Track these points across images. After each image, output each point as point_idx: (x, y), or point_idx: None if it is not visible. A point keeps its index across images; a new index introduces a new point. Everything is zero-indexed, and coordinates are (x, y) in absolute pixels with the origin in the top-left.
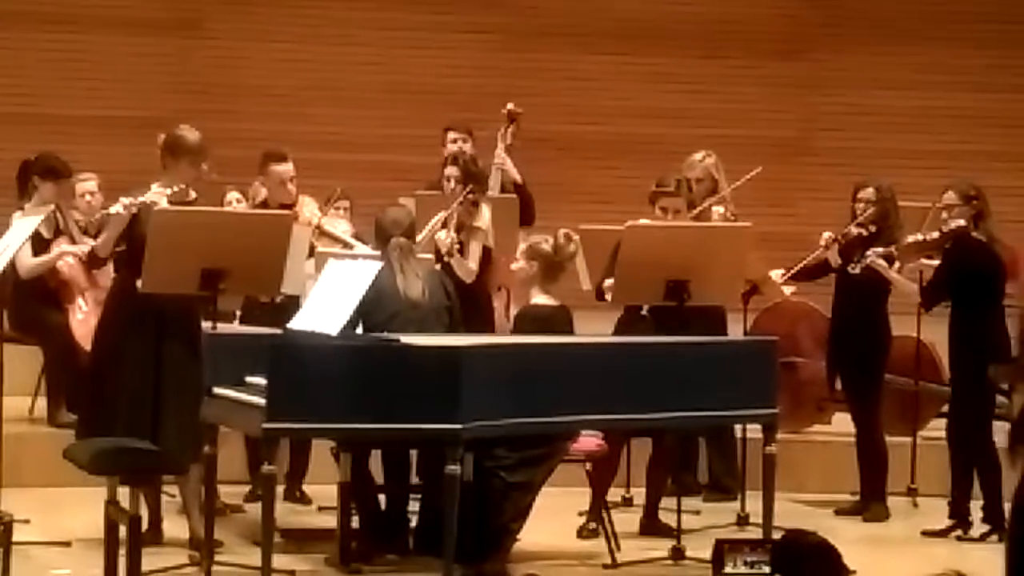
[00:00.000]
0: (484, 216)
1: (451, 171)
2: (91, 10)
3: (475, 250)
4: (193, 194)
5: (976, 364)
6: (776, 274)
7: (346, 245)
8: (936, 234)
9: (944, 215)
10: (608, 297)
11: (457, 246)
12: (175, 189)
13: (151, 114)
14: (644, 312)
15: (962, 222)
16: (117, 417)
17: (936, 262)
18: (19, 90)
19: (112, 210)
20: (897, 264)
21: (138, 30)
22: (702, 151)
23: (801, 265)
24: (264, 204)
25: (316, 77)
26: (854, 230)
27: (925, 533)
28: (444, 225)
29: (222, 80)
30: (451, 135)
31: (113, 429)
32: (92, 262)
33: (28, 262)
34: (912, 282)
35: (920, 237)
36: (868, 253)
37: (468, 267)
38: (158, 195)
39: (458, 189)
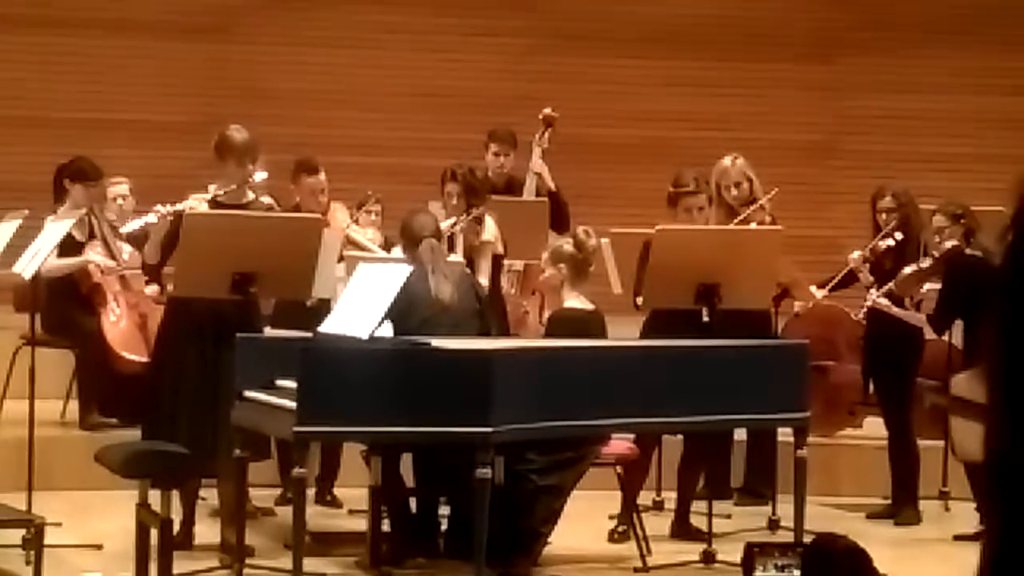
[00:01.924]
0: (489, 229)
1: (452, 188)
2: (122, 15)
3: (485, 266)
4: (251, 195)
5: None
6: (818, 294)
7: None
8: (930, 261)
9: (936, 239)
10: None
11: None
12: (225, 191)
13: (182, 119)
14: (705, 319)
15: (955, 242)
16: (179, 424)
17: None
18: (50, 95)
19: (145, 220)
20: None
21: (169, 35)
22: (729, 155)
23: (836, 280)
24: (296, 209)
25: (346, 82)
26: (881, 244)
27: (957, 537)
28: (451, 239)
29: (253, 85)
30: (493, 147)
31: (176, 436)
32: (147, 270)
33: (52, 262)
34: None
35: (916, 267)
36: (868, 297)
37: (482, 283)
38: (196, 201)
39: (461, 204)
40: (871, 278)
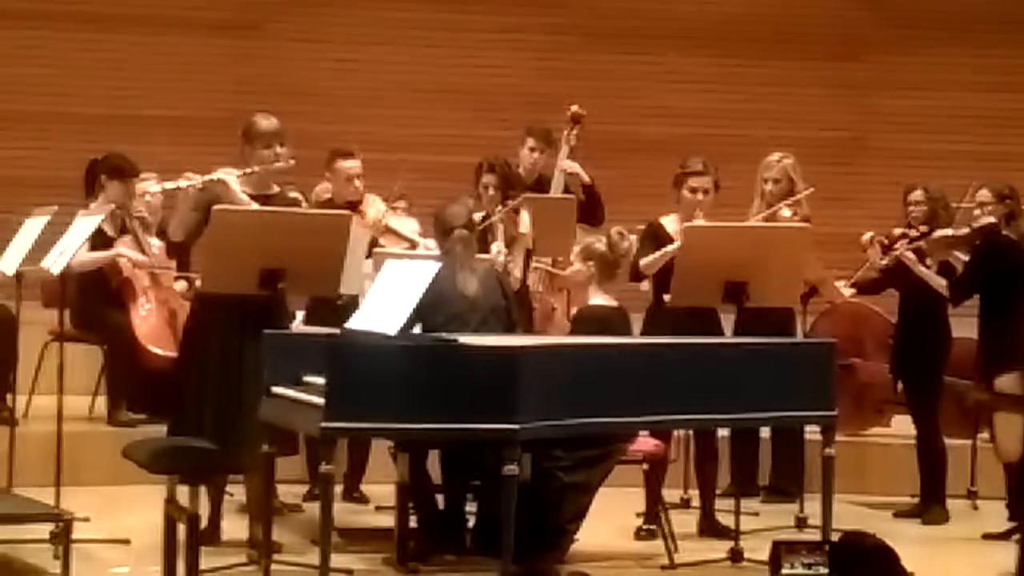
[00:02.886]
0: (525, 221)
1: (489, 179)
2: (151, 11)
3: (519, 258)
4: (276, 187)
5: (1006, 363)
6: (842, 287)
7: (412, 244)
8: (966, 230)
9: (976, 212)
10: (646, 275)
11: (510, 259)
12: (249, 171)
13: (211, 115)
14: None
15: (993, 219)
16: (204, 419)
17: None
18: (80, 91)
19: (177, 184)
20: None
21: (199, 31)
22: (779, 152)
23: (860, 274)
24: (329, 202)
25: (378, 78)
26: (896, 231)
27: (986, 536)
28: (488, 233)
29: (282, 81)
30: (530, 142)
31: (201, 430)
32: (171, 249)
33: (81, 256)
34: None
35: (950, 232)
36: (897, 246)
37: (515, 275)
38: (225, 174)
39: (496, 196)
40: (882, 258)
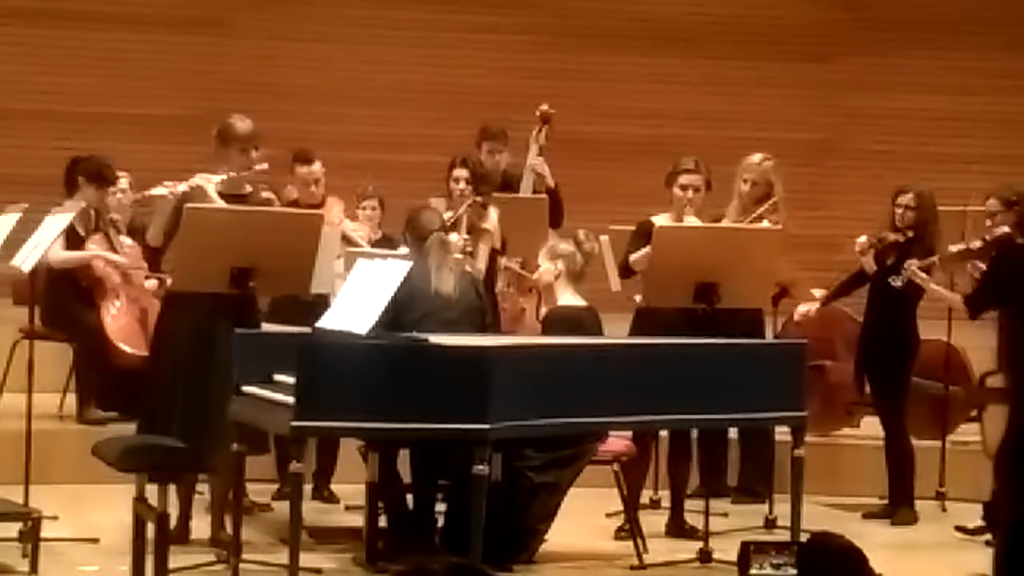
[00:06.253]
0: (492, 218)
1: (460, 173)
2: (121, 8)
3: (483, 252)
4: (248, 187)
5: None
6: (817, 294)
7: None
8: (980, 243)
9: (988, 223)
10: (637, 269)
11: (469, 248)
12: (224, 176)
13: (181, 113)
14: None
15: (1006, 229)
16: (172, 419)
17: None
18: (51, 88)
19: (154, 192)
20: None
21: (169, 29)
22: (760, 154)
23: (840, 284)
24: (295, 203)
25: (348, 76)
26: (891, 236)
27: (958, 528)
28: (453, 227)
29: (253, 79)
30: (486, 147)
31: (169, 430)
32: (148, 253)
33: (59, 254)
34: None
35: (963, 246)
36: (908, 265)
37: (477, 268)
38: (203, 180)
39: (467, 191)
40: (874, 266)
